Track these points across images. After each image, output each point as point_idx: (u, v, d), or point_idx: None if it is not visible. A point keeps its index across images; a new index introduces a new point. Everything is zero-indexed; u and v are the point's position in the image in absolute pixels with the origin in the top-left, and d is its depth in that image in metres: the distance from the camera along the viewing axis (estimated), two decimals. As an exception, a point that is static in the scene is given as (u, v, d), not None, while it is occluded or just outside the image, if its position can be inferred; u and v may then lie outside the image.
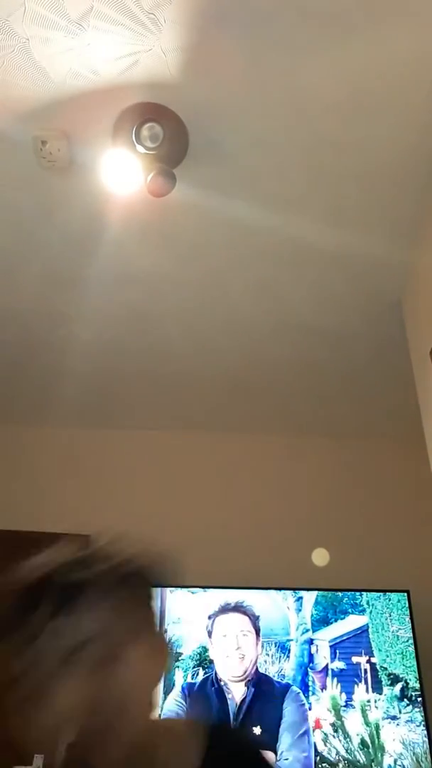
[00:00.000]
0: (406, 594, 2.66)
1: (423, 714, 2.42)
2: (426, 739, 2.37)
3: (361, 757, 2.35)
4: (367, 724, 2.41)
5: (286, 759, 2.33)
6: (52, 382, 3.02)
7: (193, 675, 2.50)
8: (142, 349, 2.81)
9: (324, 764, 2.34)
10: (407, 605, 2.64)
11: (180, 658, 2.51)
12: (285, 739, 2.36)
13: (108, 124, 1.88)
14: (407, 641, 2.56)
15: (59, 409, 3.21)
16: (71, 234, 2.24)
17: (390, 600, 2.65)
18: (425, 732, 2.39)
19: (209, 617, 2.58)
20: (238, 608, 2.62)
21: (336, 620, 2.63)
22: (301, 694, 2.47)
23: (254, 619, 2.60)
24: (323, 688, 2.49)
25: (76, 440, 3.33)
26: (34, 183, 2.06)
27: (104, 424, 3.33)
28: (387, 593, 2.68)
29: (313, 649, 2.57)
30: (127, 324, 2.66)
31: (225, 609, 2.61)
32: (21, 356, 2.85)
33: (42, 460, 3.26)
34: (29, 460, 3.27)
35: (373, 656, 2.54)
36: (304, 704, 2.45)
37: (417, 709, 2.43)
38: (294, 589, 2.68)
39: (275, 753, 2.34)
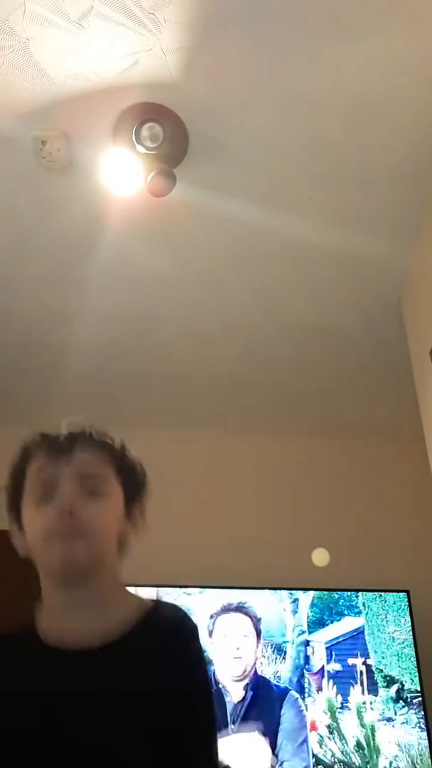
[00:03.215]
0: (405, 594, 2.66)
1: (423, 714, 2.42)
2: (426, 740, 2.37)
3: (356, 760, 2.36)
4: (363, 725, 2.41)
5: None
6: (52, 383, 3.01)
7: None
8: (142, 349, 2.81)
9: (320, 766, 2.35)
10: (406, 605, 2.64)
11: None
12: (286, 748, 2.35)
13: (108, 124, 1.88)
14: (403, 643, 2.56)
15: (59, 409, 3.19)
16: (71, 234, 2.24)
17: (386, 602, 2.65)
18: (423, 733, 2.39)
19: (211, 617, 2.57)
20: (240, 609, 2.62)
21: (332, 622, 2.63)
22: (300, 700, 2.46)
23: (256, 621, 2.60)
24: (319, 689, 2.49)
25: (76, 440, 3.32)
26: (34, 183, 2.06)
27: (104, 424, 3.31)
28: (384, 594, 2.68)
29: (309, 650, 2.57)
30: (126, 324, 2.66)
31: (227, 609, 2.61)
32: (21, 356, 2.85)
33: (42, 459, 3.26)
34: (29, 459, 3.27)
35: (369, 658, 2.55)
36: (302, 710, 2.45)
37: (413, 711, 2.43)
38: (293, 589, 2.68)
39: (275, 757, 2.33)
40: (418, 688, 2.47)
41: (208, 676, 0.86)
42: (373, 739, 2.39)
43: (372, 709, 2.44)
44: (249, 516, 3.08)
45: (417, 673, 2.50)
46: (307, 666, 2.54)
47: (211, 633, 2.54)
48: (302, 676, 2.52)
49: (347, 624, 2.63)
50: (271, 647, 2.56)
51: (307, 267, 2.37)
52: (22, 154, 1.96)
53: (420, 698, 2.46)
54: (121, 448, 0.97)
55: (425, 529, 3.02)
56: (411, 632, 2.58)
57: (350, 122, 1.88)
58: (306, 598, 2.67)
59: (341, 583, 2.75)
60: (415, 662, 2.52)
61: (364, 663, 2.54)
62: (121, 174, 1.91)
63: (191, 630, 0.86)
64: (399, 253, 2.29)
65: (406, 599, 2.65)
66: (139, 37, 1.67)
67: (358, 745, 2.38)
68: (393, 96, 1.81)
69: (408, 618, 2.61)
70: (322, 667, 2.53)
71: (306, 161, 1.99)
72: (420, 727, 2.40)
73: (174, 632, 0.83)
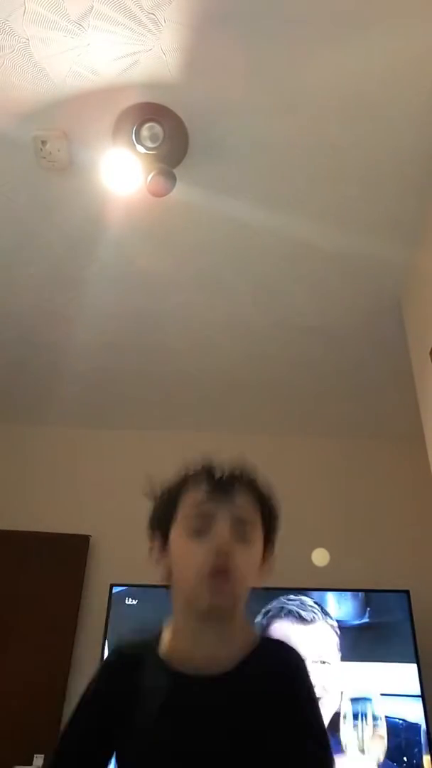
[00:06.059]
0: (405, 594, 2.66)
1: (423, 714, 2.42)
2: (426, 740, 2.37)
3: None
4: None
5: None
6: (52, 382, 3.02)
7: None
8: (142, 348, 2.81)
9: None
10: (407, 605, 2.64)
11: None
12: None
13: (108, 124, 1.88)
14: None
15: (59, 408, 3.21)
16: (71, 234, 2.24)
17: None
18: (425, 732, 2.39)
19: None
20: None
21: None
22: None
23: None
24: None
25: (76, 440, 3.33)
26: (34, 183, 2.06)
27: (104, 424, 3.33)
28: (386, 593, 2.68)
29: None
30: (126, 324, 2.66)
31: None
32: (21, 356, 2.85)
33: (42, 460, 3.26)
34: (29, 460, 3.27)
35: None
36: None
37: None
38: (291, 589, 2.68)
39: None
40: (418, 689, 2.47)
41: (311, 713, 0.88)
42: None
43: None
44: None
45: (417, 674, 2.49)
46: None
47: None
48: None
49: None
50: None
51: (307, 267, 2.37)
52: (22, 154, 1.96)
53: (420, 698, 2.46)
54: (269, 496, 0.99)
55: (425, 529, 3.02)
56: (411, 632, 2.58)
57: (350, 122, 1.88)
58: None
59: (341, 583, 2.75)
60: (415, 662, 2.51)
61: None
62: (121, 174, 1.91)
63: (297, 666, 0.91)
64: (399, 253, 2.29)
65: (406, 599, 2.65)
66: (139, 37, 1.67)
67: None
68: (393, 96, 1.81)
69: (408, 618, 2.61)
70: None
71: (306, 161, 1.99)
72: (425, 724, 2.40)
73: (279, 670, 0.88)
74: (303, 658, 0.91)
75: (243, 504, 0.93)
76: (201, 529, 0.89)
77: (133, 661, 0.91)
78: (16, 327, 2.69)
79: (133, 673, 0.89)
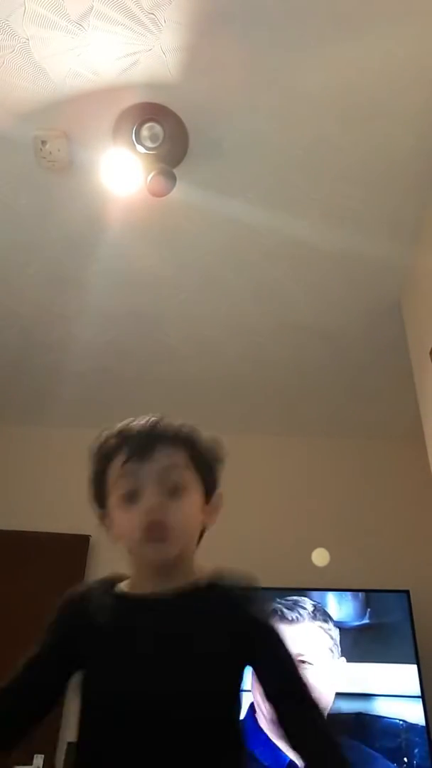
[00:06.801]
0: (405, 594, 2.66)
1: (423, 714, 2.42)
2: (426, 741, 2.37)
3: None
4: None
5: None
6: (52, 383, 3.02)
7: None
8: (142, 349, 2.81)
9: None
10: (407, 605, 2.64)
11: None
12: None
13: (108, 124, 1.88)
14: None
15: (59, 409, 3.21)
16: (71, 234, 2.24)
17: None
18: (425, 733, 2.39)
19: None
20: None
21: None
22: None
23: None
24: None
25: (76, 440, 3.31)
26: (34, 183, 2.06)
27: (104, 425, 3.32)
28: (386, 593, 2.68)
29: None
30: (126, 324, 2.66)
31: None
32: (21, 356, 2.85)
33: (42, 460, 3.26)
34: (29, 460, 3.27)
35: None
36: None
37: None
38: (292, 590, 2.68)
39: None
40: (419, 689, 2.47)
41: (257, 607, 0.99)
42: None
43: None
44: (249, 516, 3.07)
45: (417, 674, 2.49)
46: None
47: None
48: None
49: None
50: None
51: (307, 267, 2.37)
52: (22, 154, 1.96)
53: (420, 699, 2.46)
54: (195, 438, 0.99)
55: (425, 529, 3.02)
56: (411, 632, 2.58)
57: (350, 122, 1.88)
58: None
59: (341, 583, 2.75)
60: (416, 663, 2.51)
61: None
62: (121, 174, 1.92)
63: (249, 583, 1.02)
64: (399, 253, 2.29)
65: (406, 599, 2.65)
66: (139, 37, 1.67)
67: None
68: (393, 96, 1.81)
69: (408, 618, 2.61)
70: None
71: (306, 161, 1.99)
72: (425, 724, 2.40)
73: (235, 585, 1.00)
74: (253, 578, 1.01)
75: (166, 458, 0.94)
76: (130, 497, 0.92)
77: (89, 595, 0.98)
78: (16, 327, 2.69)
79: (90, 604, 0.95)
